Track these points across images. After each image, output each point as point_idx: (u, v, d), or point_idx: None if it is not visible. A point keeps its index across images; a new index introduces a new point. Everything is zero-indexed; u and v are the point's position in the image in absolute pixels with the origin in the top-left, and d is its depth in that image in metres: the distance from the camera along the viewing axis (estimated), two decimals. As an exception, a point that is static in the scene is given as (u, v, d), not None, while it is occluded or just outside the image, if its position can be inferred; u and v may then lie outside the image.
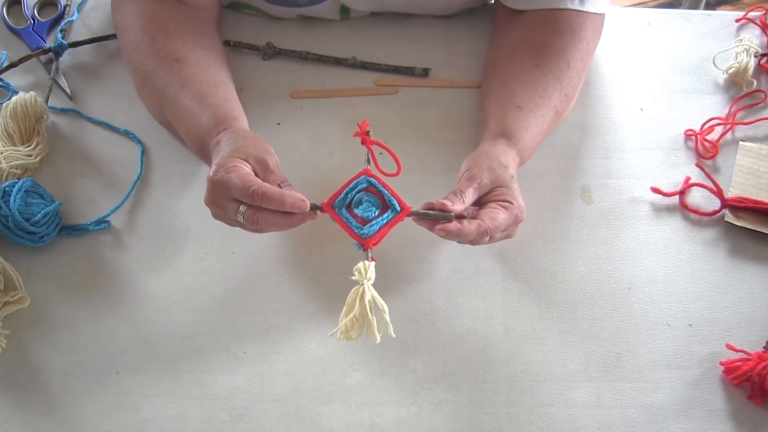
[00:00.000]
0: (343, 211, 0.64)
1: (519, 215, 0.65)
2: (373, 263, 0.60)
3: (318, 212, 0.64)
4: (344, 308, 0.59)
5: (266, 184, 0.62)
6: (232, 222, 0.64)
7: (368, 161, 0.66)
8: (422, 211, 0.64)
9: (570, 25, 0.76)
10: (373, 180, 0.64)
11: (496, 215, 0.63)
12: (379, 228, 0.63)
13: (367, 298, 0.59)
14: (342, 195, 0.64)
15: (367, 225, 0.63)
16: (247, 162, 0.64)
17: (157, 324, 0.69)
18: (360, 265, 0.60)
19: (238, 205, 0.62)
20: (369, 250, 0.62)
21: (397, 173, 0.65)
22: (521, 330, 0.69)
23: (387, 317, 0.59)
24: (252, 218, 0.62)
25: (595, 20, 0.77)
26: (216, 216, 0.66)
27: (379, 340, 0.59)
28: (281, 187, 0.64)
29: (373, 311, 0.59)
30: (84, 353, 0.68)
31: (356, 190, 0.64)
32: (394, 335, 0.59)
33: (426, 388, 0.66)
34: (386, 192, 0.64)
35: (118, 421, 0.64)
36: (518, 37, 0.78)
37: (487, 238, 0.64)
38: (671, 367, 0.68)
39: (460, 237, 0.62)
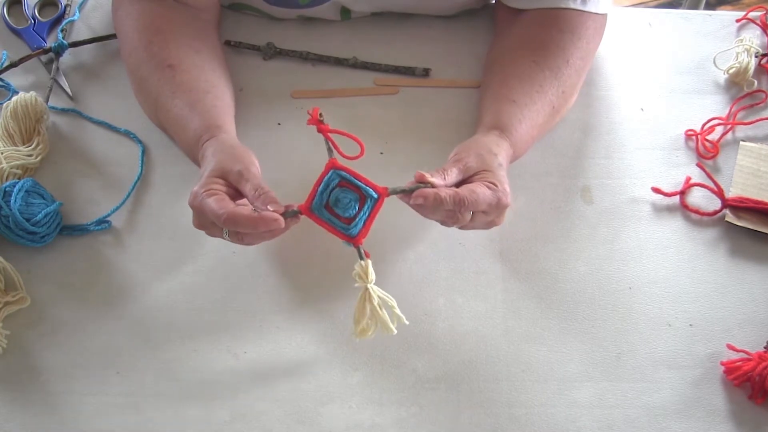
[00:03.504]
0: (324, 212, 0.63)
1: (503, 198, 0.64)
2: (369, 261, 0.60)
3: (300, 215, 0.63)
4: (355, 313, 0.60)
5: (237, 210, 0.61)
6: (225, 239, 0.64)
7: (330, 150, 0.64)
8: (399, 188, 0.63)
9: (570, 24, 0.76)
10: (342, 173, 0.63)
11: (475, 188, 0.62)
12: (364, 223, 0.62)
13: (375, 300, 0.60)
14: (317, 196, 0.63)
15: (352, 223, 0.62)
16: (222, 178, 0.64)
17: (157, 324, 0.69)
18: (357, 268, 0.60)
19: (221, 227, 0.62)
20: (360, 247, 0.62)
21: (361, 154, 0.63)
22: (522, 330, 0.69)
23: (397, 310, 0.60)
24: (236, 238, 0.63)
25: (596, 20, 0.77)
26: (210, 235, 0.66)
27: (396, 332, 0.60)
28: (257, 196, 0.62)
29: (383, 308, 0.60)
30: (84, 353, 0.68)
31: (330, 188, 0.63)
32: (408, 323, 0.61)
33: (427, 388, 0.66)
34: (359, 183, 0.63)
35: (118, 421, 0.64)
36: (518, 36, 0.78)
37: (468, 214, 0.63)
38: (672, 367, 0.68)
39: (436, 203, 0.61)
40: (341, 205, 0.63)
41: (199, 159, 0.69)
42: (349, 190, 0.63)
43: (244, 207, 0.63)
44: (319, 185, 0.63)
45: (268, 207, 0.61)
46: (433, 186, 0.62)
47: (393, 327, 0.61)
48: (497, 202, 0.64)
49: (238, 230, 0.61)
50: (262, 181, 0.64)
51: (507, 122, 0.71)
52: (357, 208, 0.63)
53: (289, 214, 0.62)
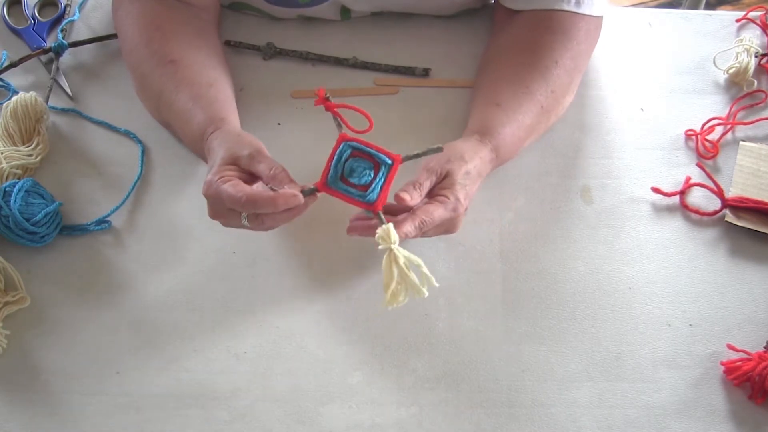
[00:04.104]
0: (340, 184, 0.63)
1: (457, 208, 0.65)
2: (390, 225, 0.61)
3: (317, 193, 0.64)
4: (384, 277, 0.60)
5: (256, 192, 0.61)
6: (242, 227, 0.64)
7: (339, 126, 0.65)
8: (412, 154, 0.64)
9: (562, 25, 0.76)
10: (354, 143, 0.64)
11: (430, 209, 0.64)
12: (381, 188, 0.63)
13: (401, 260, 0.60)
14: (332, 169, 0.63)
15: (369, 190, 0.63)
16: (234, 165, 0.64)
17: (158, 324, 0.69)
18: (380, 231, 0.60)
19: (239, 213, 0.63)
20: (380, 212, 0.62)
21: (370, 128, 0.64)
22: (521, 330, 0.69)
23: (425, 270, 0.60)
24: (256, 221, 0.63)
25: (590, 22, 0.77)
26: (225, 225, 0.66)
27: (427, 294, 0.60)
28: (273, 175, 0.63)
29: (410, 269, 0.60)
30: (84, 353, 0.68)
31: (343, 159, 0.64)
32: (437, 285, 0.60)
33: (426, 388, 0.66)
34: (372, 150, 0.63)
35: (118, 421, 0.64)
36: (511, 37, 0.78)
37: (422, 231, 0.64)
38: (672, 367, 0.68)
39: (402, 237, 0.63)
40: (356, 173, 0.63)
41: (205, 152, 0.69)
42: (362, 159, 0.64)
43: (261, 189, 0.63)
44: (332, 160, 0.64)
45: (285, 187, 0.62)
46: (409, 207, 0.63)
47: (424, 289, 0.60)
48: (451, 215, 0.65)
49: (258, 212, 0.61)
50: (274, 161, 0.65)
51: (490, 126, 0.71)
52: (372, 175, 0.63)
53: (307, 192, 0.63)
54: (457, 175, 0.66)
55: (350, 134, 0.64)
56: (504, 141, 0.72)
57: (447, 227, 0.67)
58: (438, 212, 0.64)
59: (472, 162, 0.68)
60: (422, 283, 0.60)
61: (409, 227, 0.62)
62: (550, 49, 0.75)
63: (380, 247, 0.60)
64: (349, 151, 0.64)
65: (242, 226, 0.64)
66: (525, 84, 0.74)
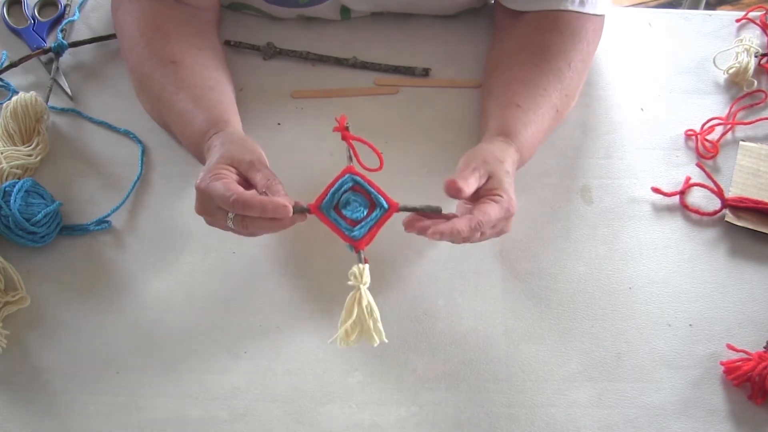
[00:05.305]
0: (332, 212, 0.63)
1: (510, 209, 0.64)
2: (367, 266, 0.60)
3: (307, 213, 0.63)
4: (342, 313, 0.59)
5: (247, 193, 0.61)
6: (226, 228, 0.64)
7: (350, 158, 0.65)
8: (410, 205, 0.63)
9: (570, 26, 0.76)
10: (358, 178, 0.64)
11: (486, 209, 0.62)
12: (369, 229, 0.62)
13: (364, 303, 0.59)
14: (329, 196, 0.63)
15: (357, 226, 0.62)
16: (232, 166, 0.64)
17: (157, 324, 0.69)
18: (354, 269, 0.60)
19: (226, 212, 0.62)
20: (361, 251, 0.61)
21: (380, 168, 0.64)
22: (521, 330, 0.69)
23: (380, 325, 0.59)
24: (241, 224, 0.62)
25: (595, 22, 0.77)
26: (209, 223, 0.65)
27: (378, 343, 0.59)
28: (268, 186, 0.63)
29: (371, 315, 0.59)
30: (84, 353, 0.68)
31: (342, 189, 0.63)
32: (387, 341, 0.60)
33: (426, 388, 0.66)
34: (372, 190, 0.63)
35: (118, 421, 0.64)
36: (519, 39, 0.78)
37: (479, 233, 0.63)
38: (672, 367, 0.68)
39: (453, 235, 0.61)
40: (350, 206, 0.63)
41: (205, 152, 0.69)
42: (360, 195, 0.64)
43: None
44: (332, 187, 0.63)
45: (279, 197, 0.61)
46: (462, 194, 0.61)
47: (376, 338, 0.59)
48: (505, 213, 0.64)
49: (245, 214, 0.61)
50: (273, 173, 0.64)
51: (513, 127, 0.71)
52: (365, 213, 0.63)
53: (297, 210, 0.62)
54: (501, 174, 0.65)
55: (358, 169, 0.64)
56: (527, 142, 0.71)
57: (501, 227, 0.65)
58: (494, 211, 0.62)
59: (506, 162, 0.67)
60: (376, 331, 0.60)
61: (462, 224, 0.60)
62: (563, 51, 0.75)
63: (350, 283, 0.59)
64: (350, 184, 0.63)
65: (226, 228, 0.63)
66: (542, 86, 0.73)
